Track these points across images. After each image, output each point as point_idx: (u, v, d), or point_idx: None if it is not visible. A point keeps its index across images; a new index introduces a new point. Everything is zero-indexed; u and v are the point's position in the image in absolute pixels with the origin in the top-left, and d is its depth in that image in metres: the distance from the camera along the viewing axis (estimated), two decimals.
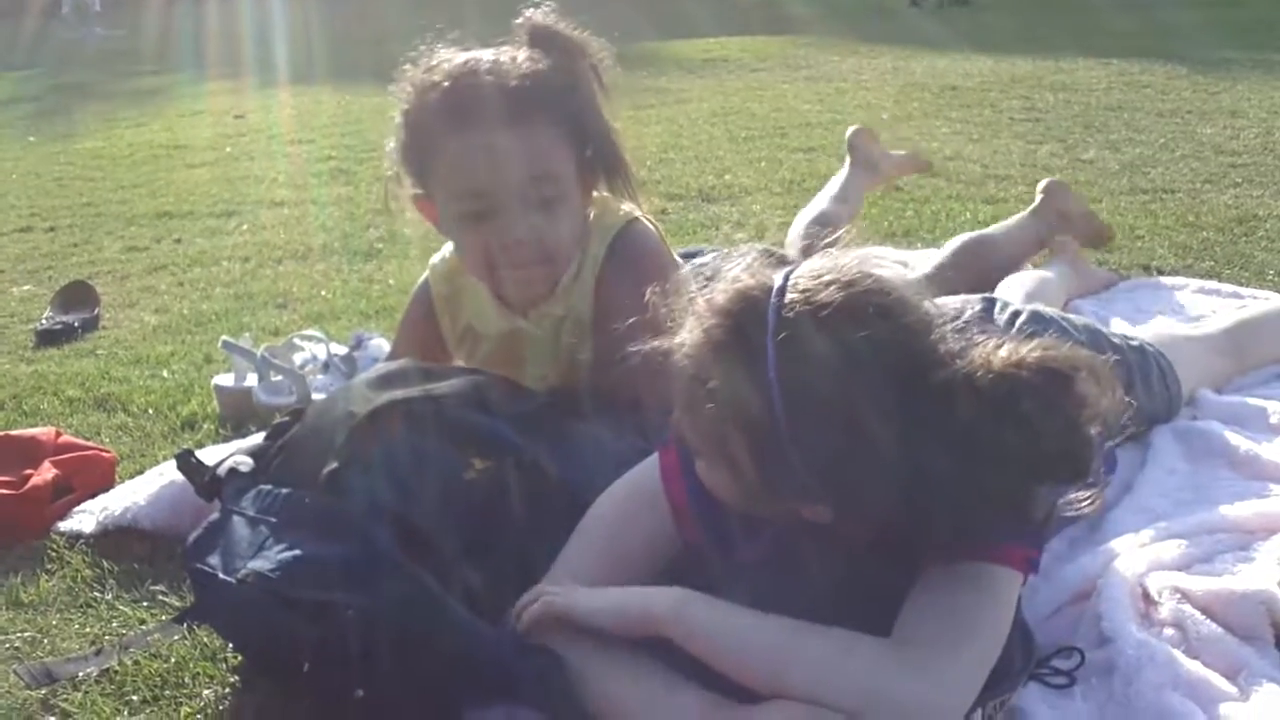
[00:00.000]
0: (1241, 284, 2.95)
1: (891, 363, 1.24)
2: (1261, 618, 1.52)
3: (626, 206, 1.95)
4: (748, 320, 1.29)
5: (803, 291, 1.28)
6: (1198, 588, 1.57)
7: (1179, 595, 1.56)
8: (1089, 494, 1.36)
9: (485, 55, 1.84)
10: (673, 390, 1.38)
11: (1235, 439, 2.03)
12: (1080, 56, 7.24)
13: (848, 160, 3.55)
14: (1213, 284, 2.93)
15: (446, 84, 1.81)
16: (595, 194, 1.93)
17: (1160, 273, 3.10)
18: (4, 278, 3.94)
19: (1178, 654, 1.46)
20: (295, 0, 14.74)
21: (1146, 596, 1.59)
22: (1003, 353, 1.24)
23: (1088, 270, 3.00)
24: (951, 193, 4.13)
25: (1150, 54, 7.12)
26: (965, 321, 1.34)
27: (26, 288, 3.78)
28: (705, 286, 1.38)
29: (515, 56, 1.84)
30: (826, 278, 1.28)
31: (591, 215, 1.93)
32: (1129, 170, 4.33)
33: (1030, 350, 1.24)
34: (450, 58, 1.84)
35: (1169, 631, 1.52)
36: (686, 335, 1.36)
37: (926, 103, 6.17)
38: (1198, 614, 1.53)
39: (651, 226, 1.97)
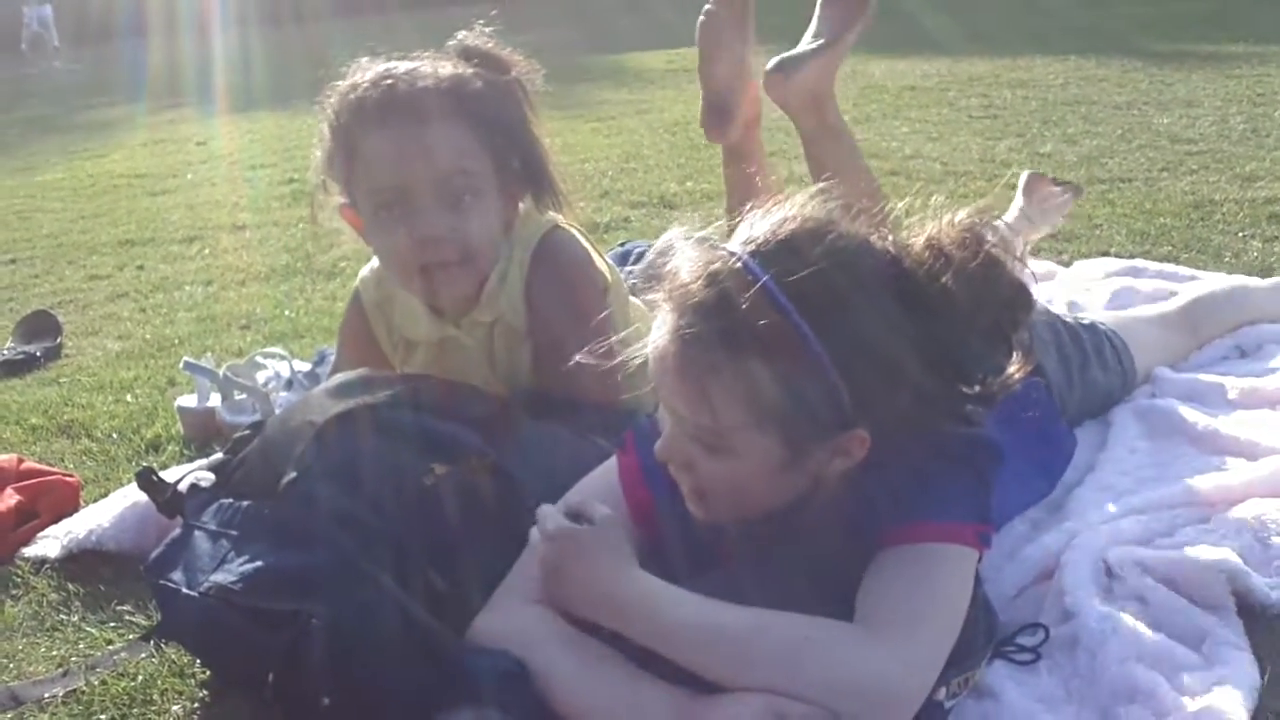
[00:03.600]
0: (1200, 267, 2.97)
1: (864, 259, 1.33)
2: (1223, 587, 1.54)
3: (550, 215, 1.95)
4: (732, 280, 1.29)
5: (764, 237, 1.33)
6: (1159, 561, 1.58)
7: (1141, 569, 1.57)
8: (1017, 364, 1.38)
9: (407, 64, 1.86)
10: (675, 394, 1.35)
11: (1194, 415, 2.05)
12: (1037, 54, 7.30)
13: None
14: (1170, 267, 2.96)
15: (365, 86, 1.83)
16: (521, 206, 1.94)
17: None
18: None
19: (1141, 626, 1.48)
20: (252, 29, 14.73)
21: (1109, 571, 1.60)
22: (930, 231, 1.36)
23: (1049, 198, 3.02)
24: (912, 190, 4.14)
25: (1106, 49, 7.19)
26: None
27: None
28: (657, 287, 1.38)
29: (438, 66, 1.87)
30: (774, 221, 1.34)
31: (516, 223, 1.94)
32: (1087, 162, 4.37)
33: (948, 226, 1.36)
34: (373, 67, 1.86)
35: (1132, 605, 1.53)
36: (669, 335, 1.33)
37: (886, 104, 6.21)
38: (1160, 586, 1.55)
39: (575, 232, 1.98)
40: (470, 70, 1.88)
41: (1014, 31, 8.52)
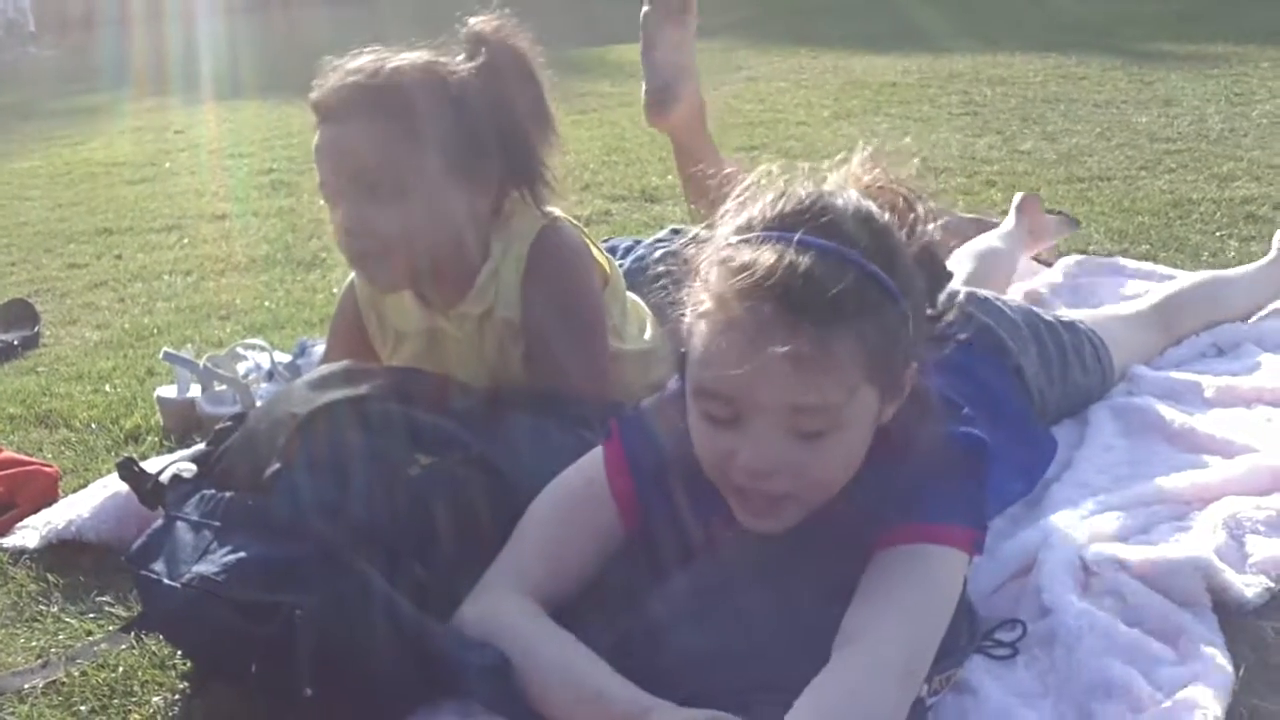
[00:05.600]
0: (1177, 265, 3.00)
1: (869, 210, 1.39)
2: (1198, 584, 1.55)
3: (549, 208, 1.96)
4: (808, 258, 1.29)
5: (794, 212, 1.35)
6: (1136, 557, 1.59)
7: (1117, 565, 1.59)
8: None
9: (370, 58, 1.87)
10: (791, 386, 1.29)
11: (1170, 413, 2.07)
12: (1018, 50, 7.32)
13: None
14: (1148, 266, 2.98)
15: (318, 82, 1.87)
16: (515, 196, 1.94)
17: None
18: None
19: (1117, 622, 1.49)
20: (231, 17, 14.64)
21: (1086, 568, 1.61)
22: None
23: (1041, 223, 3.04)
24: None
25: (1086, 47, 7.21)
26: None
27: None
28: (696, 290, 1.38)
29: (414, 59, 1.87)
30: (786, 203, 1.37)
31: (512, 215, 1.94)
32: (1066, 160, 4.39)
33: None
34: (343, 60, 1.88)
35: (1108, 601, 1.55)
36: (770, 331, 1.28)
37: (866, 100, 6.22)
38: (1136, 583, 1.56)
39: (573, 225, 1.99)
40: (452, 60, 1.88)
41: (995, 28, 8.54)
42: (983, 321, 1.95)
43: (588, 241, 2.00)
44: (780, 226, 1.33)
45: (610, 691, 1.35)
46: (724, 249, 1.35)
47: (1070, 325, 2.14)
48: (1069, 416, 2.11)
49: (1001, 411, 1.79)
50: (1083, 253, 3.18)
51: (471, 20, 1.91)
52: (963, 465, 1.44)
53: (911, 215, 1.44)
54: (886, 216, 1.40)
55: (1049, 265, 3.04)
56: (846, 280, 1.28)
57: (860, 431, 1.37)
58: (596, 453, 1.59)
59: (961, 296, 1.97)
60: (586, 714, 1.35)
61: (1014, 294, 2.62)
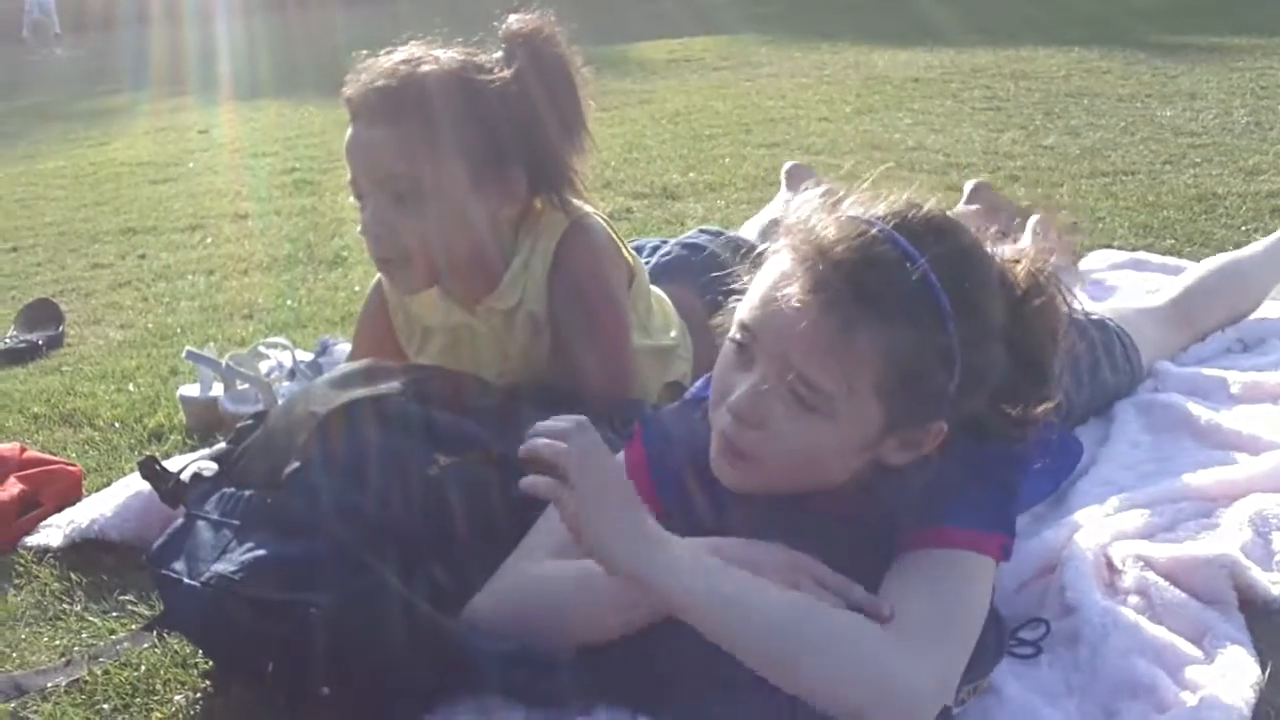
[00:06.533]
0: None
1: (988, 260, 1.37)
2: (1224, 582, 1.54)
3: (578, 204, 1.95)
4: (881, 248, 1.30)
5: (901, 214, 1.34)
6: (1161, 555, 1.58)
7: (1142, 563, 1.57)
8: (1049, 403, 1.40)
9: (400, 58, 1.86)
10: (799, 345, 1.31)
11: (1196, 410, 2.05)
12: (1040, 45, 7.29)
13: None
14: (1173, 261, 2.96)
15: (349, 80, 1.86)
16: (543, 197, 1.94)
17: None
18: None
19: (1142, 620, 1.48)
20: (252, 17, 14.71)
21: (1110, 566, 1.60)
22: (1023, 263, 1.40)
23: (998, 205, 3.04)
24: (914, 182, 4.14)
25: (1109, 40, 7.18)
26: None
27: None
28: (783, 235, 1.38)
29: (440, 57, 1.86)
30: (898, 205, 1.35)
31: (542, 211, 1.94)
32: (1090, 154, 4.37)
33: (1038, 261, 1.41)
34: (375, 58, 1.87)
35: (1133, 599, 1.53)
36: (807, 286, 1.30)
37: (889, 95, 6.21)
38: (1161, 581, 1.54)
39: (602, 222, 1.98)
40: (488, 63, 1.87)
41: (1017, 23, 8.51)
42: None
43: (615, 237, 2.00)
44: (882, 219, 1.34)
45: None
46: (815, 215, 1.37)
47: (1100, 323, 2.12)
48: (1095, 416, 2.09)
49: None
50: (1107, 248, 3.16)
51: (511, 19, 1.90)
52: (994, 470, 1.42)
53: (1043, 304, 1.39)
54: (1000, 272, 1.37)
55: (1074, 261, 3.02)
56: (905, 283, 1.28)
57: (844, 439, 1.35)
58: (618, 454, 1.59)
59: None
60: (637, 614, 1.37)
61: None
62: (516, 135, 1.86)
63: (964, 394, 1.33)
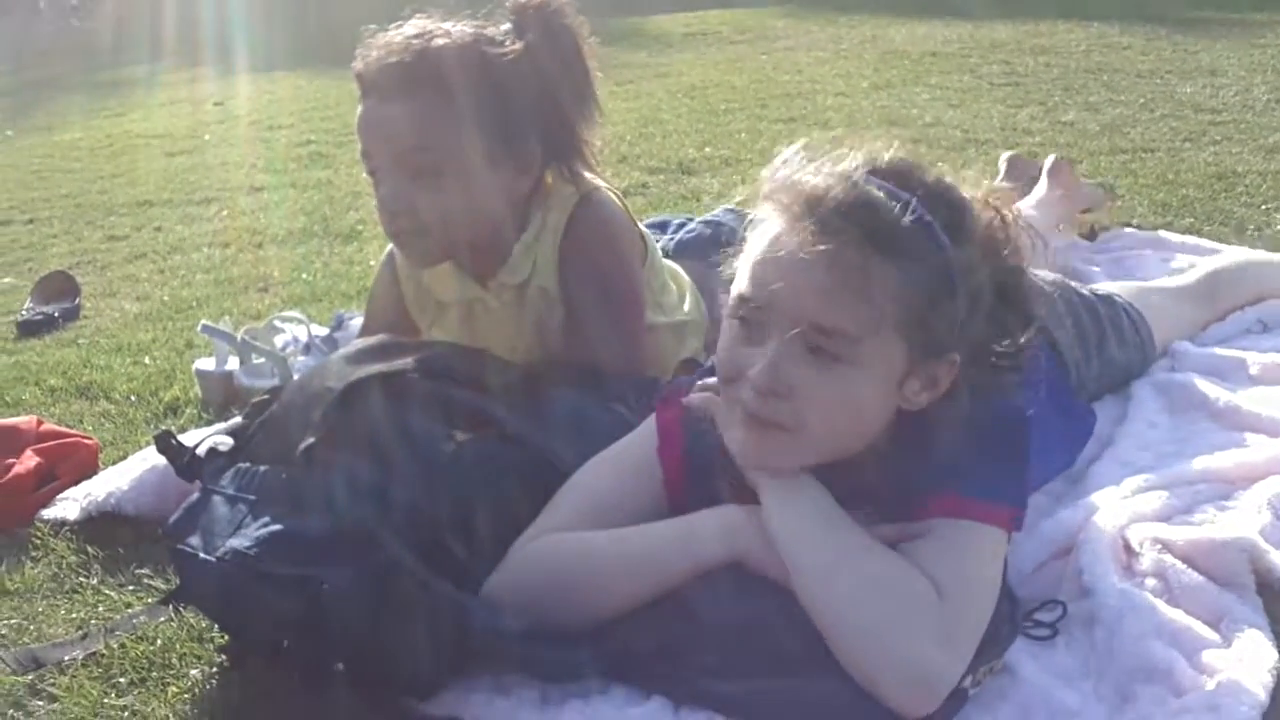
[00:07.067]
0: (1222, 239, 2.95)
1: (961, 196, 1.41)
2: (1243, 565, 1.53)
3: (590, 177, 1.94)
4: (871, 189, 1.33)
5: (878, 162, 1.39)
6: (1179, 538, 1.57)
7: (1160, 546, 1.56)
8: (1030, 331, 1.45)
9: (413, 30, 1.85)
10: (811, 295, 1.33)
11: (1214, 391, 2.04)
12: (1060, 20, 7.23)
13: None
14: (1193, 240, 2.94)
15: (360, 54, 1.87)
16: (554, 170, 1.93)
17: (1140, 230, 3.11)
18: None
19: (1159, 603, 1.47)
20: None
21: (1128, 548, 1.59)
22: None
23: (1075, 188, 3.02)
24: (932, 158, 4.11)
25: (1129, 16, 7.12)
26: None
27: (7, 280, 3.77)
28: (770, 199, 1.40)
29: (452, 30, 1.85)
30: (863, 156, 1.39)
31: (551, 186, 1.93)
32: (1109, 131, 4.33)
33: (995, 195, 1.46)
34: (386, 32, 1.87)
35: (1151, 581, 1.52)
36: (808, 236, 1.33)
37: (906, 70, 6.16)
38: (1179, 563, 1.53)
39: (613, 196, 1.97)
40: (497, 35, 1.86)
41: None
42: None
43: (627, 211, 1.99)
44: (867, 166, 1.37)
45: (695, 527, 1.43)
46: (795, 174, 1.38)
47: (1106, 299, 2.11)
48: (1109, 392, 2.08)
49: (1039, 384, 1.76)
50: (1126, 226, 3.14)
51: None
52: (1003, 439, 1.42)
53: (1004, 235, 1.43)
54: (971, 205, 1.40)
55: (1091, 239, 3.00)
56: (902, 218, 1.31)
57: (873, 383, 1.36)
58: (646, 425, 1.58)
59: None
60: (677, 566, 1.41)
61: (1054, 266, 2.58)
62: (529, 107, 1.86)
63: (970, 319, 1.36)
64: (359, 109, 1.87)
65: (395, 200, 1.84)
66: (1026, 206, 2.79)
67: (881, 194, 1.33)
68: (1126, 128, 4.36)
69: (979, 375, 1.40)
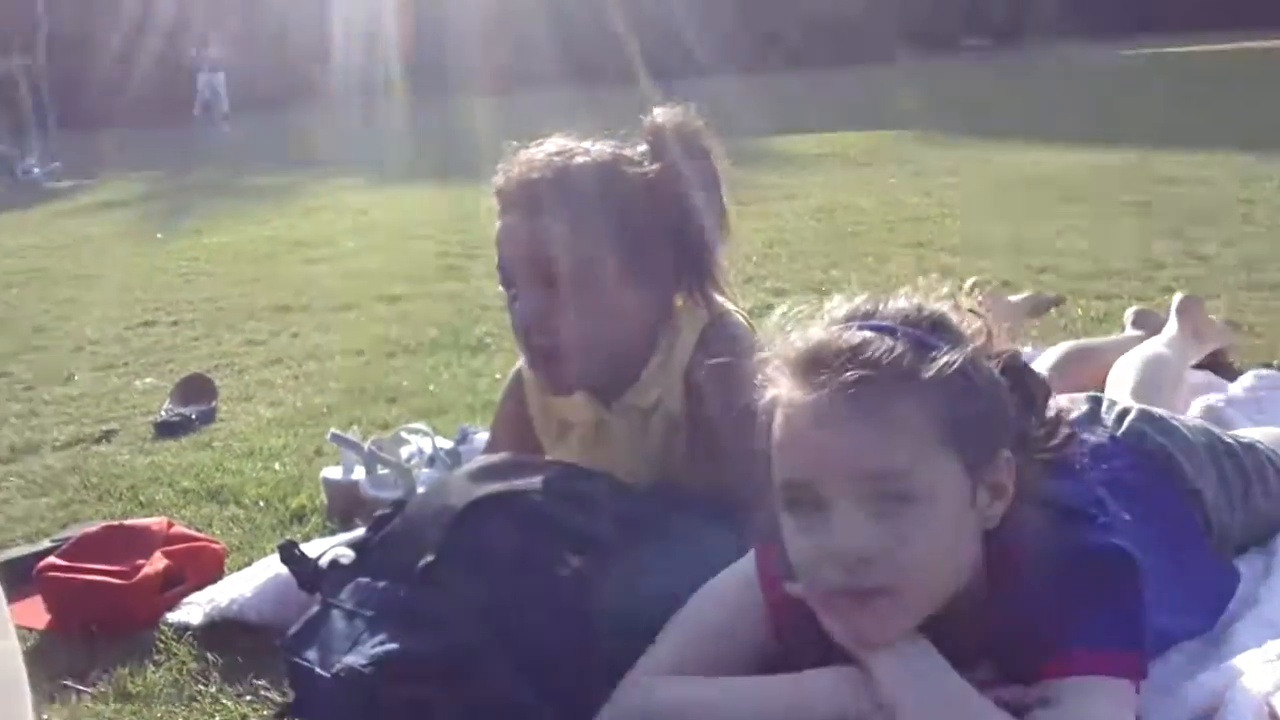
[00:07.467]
0: None
1: (921, 305, 1.43)
2: None
3: (720, 299, 1.96)
4: (870, 328, 1.37)
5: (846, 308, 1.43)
6: None
7: None
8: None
9: (554, 149, 1.89)
10: (853, 448, 1.32)
11: None
12: (1195, 149, 7.13)
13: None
14: None
15: (503, 169, 1.91)
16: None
17: None
18: (127, 370, 4.07)
19: None
20: (411, 102, 15.20)
21: (1274, 715, 1.51)
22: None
23: (1206, 327, 2.96)
24: (1062, 287, 4.07)
25: (1269, 146, 6.99)
26: (1072, 422, 1.48)
27: (148, 380, 3.90)
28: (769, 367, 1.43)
29: (591, 149, 1.89)
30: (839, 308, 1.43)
31: (681, 309, 1.95)
32: (1247, 265, 4.23)
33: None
34: (526, 150, 1.91)
35: None
36: (830, 389, 1.34)
37: (1036, 196, 6.12)
38: None
39: (742, 319, 1.98)
40: (635, 155, 1.90)
41: (1168, 126, 8.35)
42: (1157, 441, 1.87)
43: (755, 333, 1.99)
44: (834, 323, 1.40)
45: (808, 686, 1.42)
46: (784, 346, 1.41)
47: (1250, 446, 2.03)
48: (1254, 545, 2.00)
49: (1176, 538, 1.71)
50: (1266, 366, 3.04)
51: (656, 111, 1.93)
52: (1109, 582, 1.38)
53: (986, 326, 1.45)
54: (945, 312, 1.43)
55: (1230, 379, 2.92)
56: (897, 346, 1.34)
57: (948, 510, 1.33)
58: (750, 558, 1.57)
59: (1134, 414, 1.93)
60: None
61: (1192, 409, 2.51)
62: (664, 228, 1.89)
63: (998, 409, 1.38)
64: (498, 223, 1.90)
65: (534, 317, 1.86)
66: (1157, 345, 2.73)
67: (863, 328, 1.36)
68: (1265, 263, 4.25)
69: (1034, 469, 1.40)
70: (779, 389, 1.39)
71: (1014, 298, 3.48)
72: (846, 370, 1.32)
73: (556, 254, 1.84)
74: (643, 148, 1.92)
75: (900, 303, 1.42)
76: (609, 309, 1.88)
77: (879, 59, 16.80)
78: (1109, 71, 14.20)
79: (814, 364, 1.35)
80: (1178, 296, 3.04)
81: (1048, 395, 1.47)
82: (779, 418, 1.38)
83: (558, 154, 1.88)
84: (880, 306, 1.41)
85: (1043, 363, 2.75)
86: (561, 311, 1.85)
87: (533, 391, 2.09)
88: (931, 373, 1.32)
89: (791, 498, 1.37)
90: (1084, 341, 2.99)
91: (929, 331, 1.37)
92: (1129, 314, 3.26)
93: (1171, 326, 2.88)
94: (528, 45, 15.72)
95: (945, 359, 1.33)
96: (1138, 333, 3.06)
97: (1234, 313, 3.51)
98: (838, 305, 1.43)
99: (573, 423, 2.04)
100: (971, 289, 1.56)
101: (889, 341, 1.34)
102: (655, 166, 1.89)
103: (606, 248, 1.86)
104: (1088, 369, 2.71)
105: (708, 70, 14.16)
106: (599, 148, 1.91)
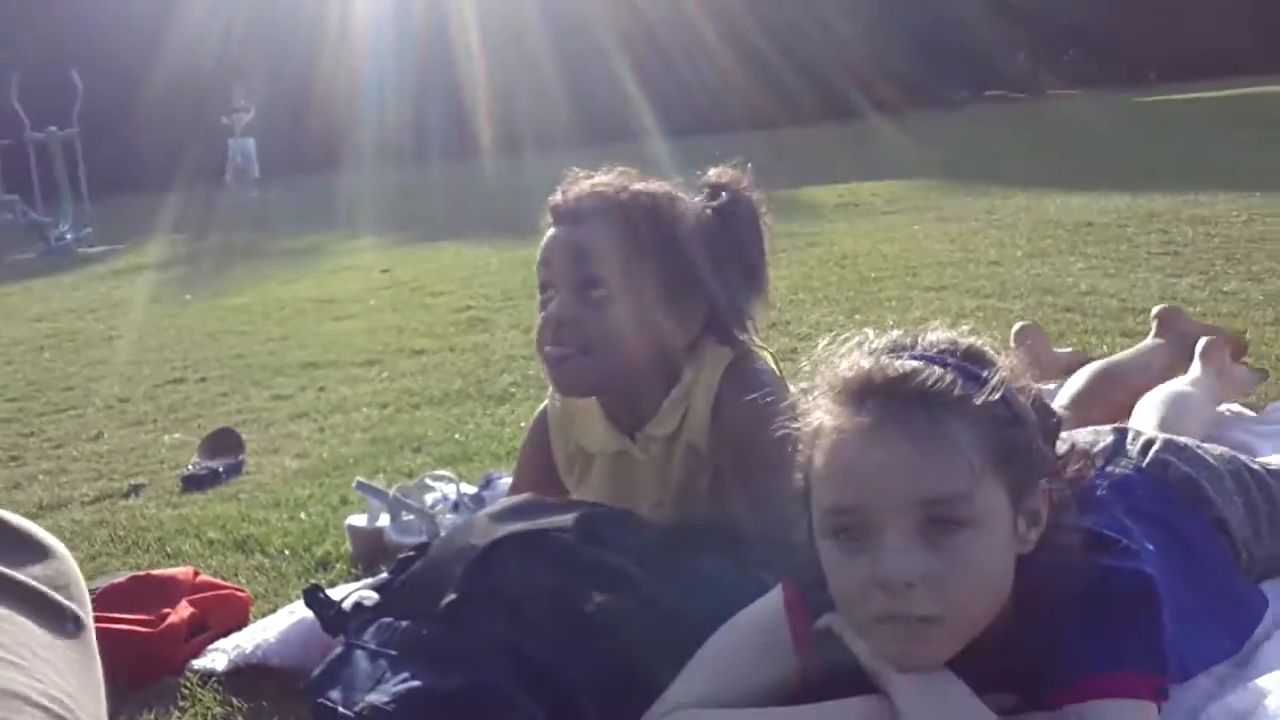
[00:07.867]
0: None
1: (953, 338, 1.44)
2: None
3: (744, 338, 1.97)
4: (902, 363, 1.37)
5: (887, 344, 1.43)
6: None
7: None
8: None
9: (628, 175, 1.97)
10: (909, 473, 1.32)
11: None
12: (1220, 191, 7.11)
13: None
14: None
15: (570, 189, 1.97)
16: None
17: None
18: (156, 427, 4.10)
19: None
20: (434, 163, 15.38)
21: None
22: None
23: (1231, 373, 2.94)
24: (1088, 326, 4.06)
25: None
26: (1097, 454, 1.55)
27: (176, 436, 3.93)
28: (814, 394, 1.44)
29: (650, 183, 1.96)
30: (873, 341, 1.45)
31: (708, 343, 1.96)
32: (1273, 301, 4.20)
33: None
34: (606, 173, 1.98)
35: None
36: (881, 420, 1.35)
37: (1061, 239, 6.11)
38: None
39: (769, 357, 1.99)
40: (683, 197, 1.96)
41: (1193, 168, 8.33)
42: (1182, 471, 1.86)
43: (781, 376, 2.00)
44: (876, 352, 1.41)
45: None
46: (829, 377, 1.41)
47: (1277, 473, 2.02)
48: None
49: (1202, 565, 1.70)
50: None
51: (711, 171, 2.01)
52: (1129, 605, 1.38)
53: (1010, 360, 1.46)
54: (979, 345, 1.44)
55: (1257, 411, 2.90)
56: (944, 374, 1.34)
57: (997, 537, 1.34)
58: (776, 593, 1.56)
59: (1159, 444, 1.92)
60: None
61: (1219, 442, 2.49)
62: (706, 269, 1.93)
63: (1035, 439, 1.39)
64: (547, 234, 1.96)
65: (562, 310, 1.90)
66: (1182, 384, 2.71)
67: (903, 357, 1.37)
68: None
69: (1061, 498, 1.41)
70: (824, 417, 1.39)
71: (1059, 349, 3.44)
72: (899, 396, 1.33)
73: (600, 260, 1.89)
74: (698, 198, 1.99)
75: (935, 335, 1.43)
76: (637, 325, 1.91)
77: (901, 111, 16.89)
78: (1128, 119, 14.21)
79: (864, 391, 1.35)
80: (1201, 341, 3.00)
81: (1059, 427, 1.48)
82: (825, 445, 1.37)
83: (617, 179, 1.96)
84: (919, 339, 1.42)
85: (1068, 389, 2.75)
86: (592, 315, 1.89)
87: (557, 427, 2.11)
88: (982, 399, 1.33)
89: (839, 524, 1.36)
90: (1106, 362, 2.97)
91: (970, 361, 1.38)
92: (1152, 312, 3.28)
93: (1195, 368, 2.87)
94: (546, 106, 15.90)
95: (995, 386, 1.35)
96: (1159, 341, 3.07)
97: (1261, 347, 3.49)
98: (874, 338, 1.44)
99: (594, 455, 2.05)
100: (1020, 332, 1.58)
101: (938, 370, 1.34)
102: (706, 212, 1.95)
103: (648, 270, 1.91)
104: (1115, 390, 2.71)
105: (732, 126, 14.27)
106: (658, 184, 1.98)
